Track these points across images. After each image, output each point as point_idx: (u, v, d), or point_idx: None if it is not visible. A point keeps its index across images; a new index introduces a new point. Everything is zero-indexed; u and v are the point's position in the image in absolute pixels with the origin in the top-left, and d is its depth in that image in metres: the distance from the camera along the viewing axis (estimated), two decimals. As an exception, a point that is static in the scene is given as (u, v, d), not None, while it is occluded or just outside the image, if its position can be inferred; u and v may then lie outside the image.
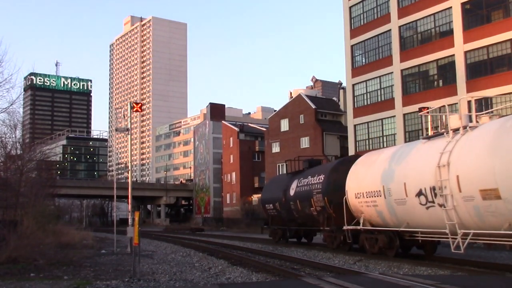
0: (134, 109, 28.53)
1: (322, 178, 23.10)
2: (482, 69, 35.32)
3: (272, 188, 30.93)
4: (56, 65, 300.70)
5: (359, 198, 20.10)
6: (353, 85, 45.93)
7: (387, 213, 18.46)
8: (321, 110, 60.91)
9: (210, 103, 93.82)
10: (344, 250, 22.14)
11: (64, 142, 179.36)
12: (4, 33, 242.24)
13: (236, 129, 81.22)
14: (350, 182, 20.92)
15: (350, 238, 21.06)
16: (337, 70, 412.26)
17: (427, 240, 18.02)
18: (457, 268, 15.01)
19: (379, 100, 43.31)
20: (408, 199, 16.89)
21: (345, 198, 21.00)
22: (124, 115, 30.50)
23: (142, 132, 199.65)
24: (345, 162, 22.98)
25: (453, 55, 36.85)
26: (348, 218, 20.82)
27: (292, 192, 26.26)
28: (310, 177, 24.55)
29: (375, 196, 18.91)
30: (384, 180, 18.40)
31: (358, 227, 20.21)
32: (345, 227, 20.95)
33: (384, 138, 42.22)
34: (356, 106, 45.52)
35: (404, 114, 40.25)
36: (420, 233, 17.61)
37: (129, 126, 29.29)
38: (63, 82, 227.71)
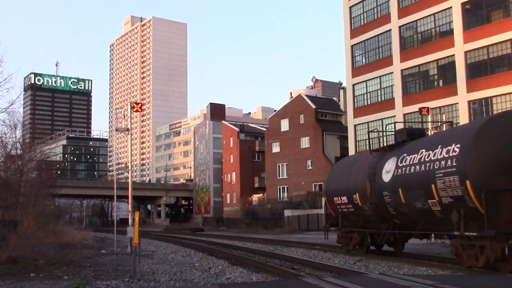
0: (134, 109, 28.52)
1: (458, 149, 14.33)
2: (482, 69, 35.33)
3: (343, 175, 21.81)
4: (56, 65, 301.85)
5: None
6: (353, 85, 45.93)
7: None
8: (321, 110, 60.94)
9: (210, 103, 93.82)
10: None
11: (64, 142, 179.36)
12: (4, 33, 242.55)
13: (236, 129, 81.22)
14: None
15: None
16: (337, 70, 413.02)
17: None
18: (457, 268, 15.00)
19: (379, 100, 43.32)
20: None
21: None
22: (124, 115, 30.50)
23: (142, 132, 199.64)
24: (502, 120, 14.58)
25: (453, 55, 36.86)
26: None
27: (387, 177, 17.73)
28: (424, 150, 15.93)
29: None
30: None
31: None
32: None
33: (384, 138, 42.15)
34: (356, 106, 45.51)
35: (404, 114, 40.24)
36: None
37: (129, 126, 29.28)
38: (63, 82, 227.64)
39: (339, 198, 21.29)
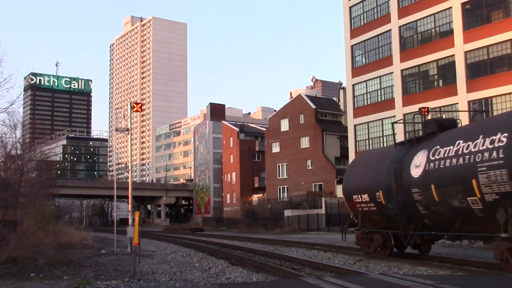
0: (134, 109, 28.51)
1: (505, 138, 12.80)
2: (482, 69, 35.33)
3: (364, 171, 20.08)
4: (56, 65, 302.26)
5: None
6: (353, 85, 45.94)
7: None
8: (321, 110, 60.96)
9: (210, 103, 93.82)
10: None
11: (64, 142, 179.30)
12: (4, 33, 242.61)
13: (236, 129, 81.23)
14: None
15: None
16: (337, 70, 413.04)
17: None
18: (457, 268, 15.00)
19: (379, 100, 43.32)
20: None
21: None
22: (124, 115, 30.52)
23: (142, 132, 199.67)
24: None
25: (453, 55, 36.87)
26: None
27: (416, 172, 16.17)
28: (462, 141, 14.32)
29: None
30: None
31: None
32: None
33: (384, 138, 42.22)
34: (356, 106, 45.52)
35: (404, 114, 40.24)
36: None
37: (129, 126, 29.29)
38: (63, 82, 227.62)
39: (359, 196, 19.44)
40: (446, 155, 14.80)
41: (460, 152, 14.15)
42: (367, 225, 19.58)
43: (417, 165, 16.14)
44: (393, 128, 23.65)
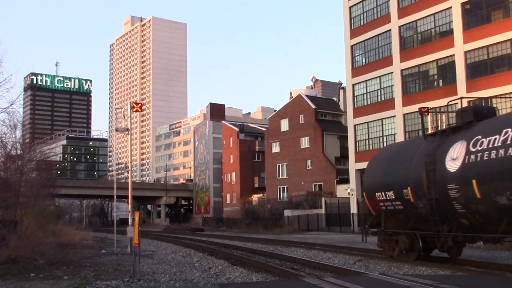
0: (134, 109, 28.51)
1: None
2: (482, 69, 35.32)
3: (388, 166, 18.14)
4: (56, 65, 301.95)
5: None
6: (353, 85, 45.92)
7: None
8: (321, 110, 60.97)
9: (210, 103, 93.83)
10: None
11: (64, 142, 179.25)
12: (4, 33, 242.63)
13: (236, 129, 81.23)
14: None
15: None
16: (337, 70, 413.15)
17: None
18: (457, 268, 14.99)
19: (379, 100, 43.30)
20: None
21: None
22: (124, 115, 30.50)
23: (142, 132, 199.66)
24: None
25: (453, 55, 36.86)
26: None
27: (453, 166, 14.46)
28: (510, 130, 12.87)
29: None
30: None
31: None
32: None
33: (384, 138, 42.20)
34: (356, 106, 45.50)
35: (404, 114, 40.23)
36: None
37: (129, 126, 29.29)
38: (63, 82, 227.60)
39: (383, 193, 17.66)
40: (490, 146, 13.19)
41: (509, 142, 12.58)
42: (391, 226, 17.87)
43: (454, 158, 14.44)
44: (422, 120, 20.89)
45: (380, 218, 18.25)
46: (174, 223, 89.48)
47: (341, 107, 62.25)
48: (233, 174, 79.91)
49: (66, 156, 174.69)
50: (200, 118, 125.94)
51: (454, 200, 14.46)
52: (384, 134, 42.30)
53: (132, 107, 28.42)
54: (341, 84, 74.10)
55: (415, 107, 36.00)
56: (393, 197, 17.10)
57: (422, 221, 16.36)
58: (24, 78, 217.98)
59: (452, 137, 15.31)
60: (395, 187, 17.03)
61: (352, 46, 46.68)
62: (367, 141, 43.79)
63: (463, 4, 36.45)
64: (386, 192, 17.46)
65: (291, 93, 79.81)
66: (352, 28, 46.66)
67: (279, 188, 64.11)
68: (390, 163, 18.00)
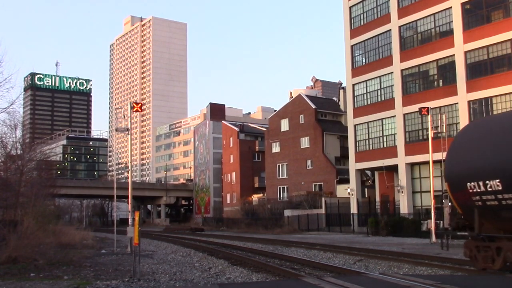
0: (134, 109, 28.50)
1: None
2: (482, 69, 35.32)
3: (485, 145, 13.30)
4: (56, 65, 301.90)
5: None
6: (353, 85, 45.92)
7: None
8: (321, 110, 60.98)
9: (210, 103, 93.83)
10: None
11: (64, 142, 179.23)
12: (4, 33, 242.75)
13: (236, 129, 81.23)
14: None
15: None
16: (337, 70, 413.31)
17: None
18: (457, 268, 14.99)
19: (379, 100, 43.30)
20: None
21: None
22: (124, 115, 30.48)
23: (142, 132, 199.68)
24: None
25: (453, 55, 36.86)
26: None
27: None
28: None
29: None
30: None
31: None
32: None
33: (384, 138, 42.21)
34: (356, 106, 45.50)
35: (404, 114, 40.23)
36: None
37: (129, 126, 29.27)
38: (63, 82, 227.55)
39: (479, 183, 12.87)
40: None
41: None
42: (490, 228, 13.38)
43: None
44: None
45: (472, 218, 13.69)
46: (174, 223, 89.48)
47: (341, 107, 62.25)
48: (233, 174, 79.91)
49: (66, 156, 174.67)
50: (200, 118, 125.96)
51: None
52: (384, 134, 42.31)
53: (132, 107, 28.41)
54: (341, 84, 74.13)
55: (415, 107, 36.00)
56: (500, 188, 12.32)
57: None
58: (24, 78, 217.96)
59: None
60: (499, 173, 12.31)
61: (352, 46, 46.68)
62: (367, 141, 43.78)
63: (463, 4, 36.46)
64: (487, 182, 12.63)
65: (291, 93, 79.79)
66: (352, 28, 46.66)
67: (279, 188, 64.11)
68: (488, 142, 13.26)
